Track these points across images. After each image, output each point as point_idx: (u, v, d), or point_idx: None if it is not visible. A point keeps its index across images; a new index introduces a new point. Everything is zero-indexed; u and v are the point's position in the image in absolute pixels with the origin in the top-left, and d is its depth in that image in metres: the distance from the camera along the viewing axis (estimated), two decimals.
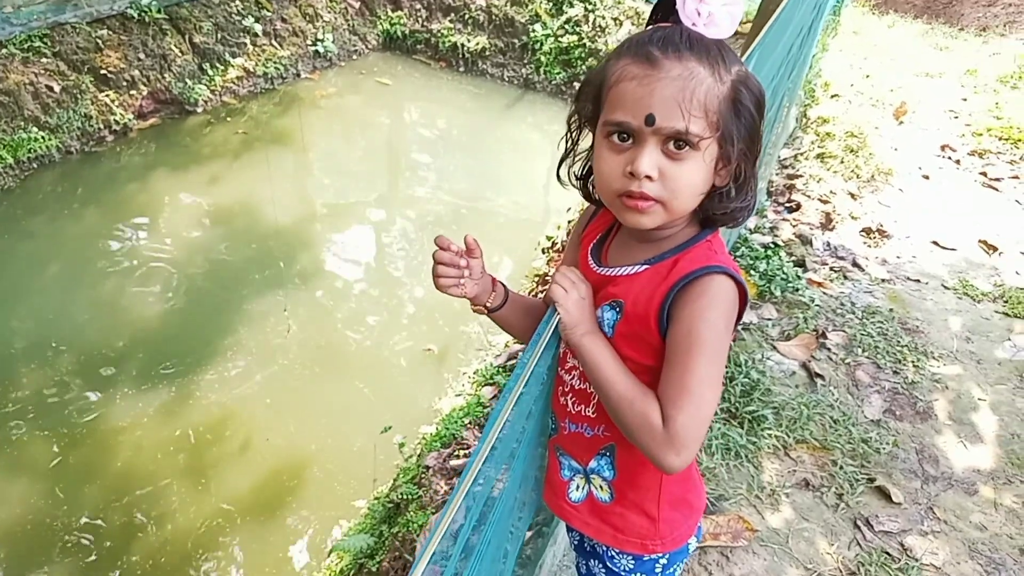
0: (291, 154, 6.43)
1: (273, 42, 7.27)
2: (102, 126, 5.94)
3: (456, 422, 2.91)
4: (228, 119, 6.66)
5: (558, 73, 7.54)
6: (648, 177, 1.00)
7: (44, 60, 5.66)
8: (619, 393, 1.05)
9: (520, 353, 1.18)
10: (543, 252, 4.88)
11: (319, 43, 7.56)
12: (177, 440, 3.67)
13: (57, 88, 5.67)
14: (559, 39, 7.54)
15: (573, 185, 1.21)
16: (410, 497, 2.65)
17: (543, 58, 7.61)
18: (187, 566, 3.17)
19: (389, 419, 3.67)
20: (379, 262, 5.25)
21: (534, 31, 7.62)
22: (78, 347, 4.15)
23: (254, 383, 4.03)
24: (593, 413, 1.20)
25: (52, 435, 3.62)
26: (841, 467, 2.47)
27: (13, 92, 5.43)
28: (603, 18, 7.42)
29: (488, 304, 1.29)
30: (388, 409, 3.82)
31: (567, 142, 1.16)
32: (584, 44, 7.46)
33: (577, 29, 7.51)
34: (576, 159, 1.18)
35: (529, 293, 4.66)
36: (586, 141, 1.15)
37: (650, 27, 1.06)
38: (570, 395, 1.24)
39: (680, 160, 1.00)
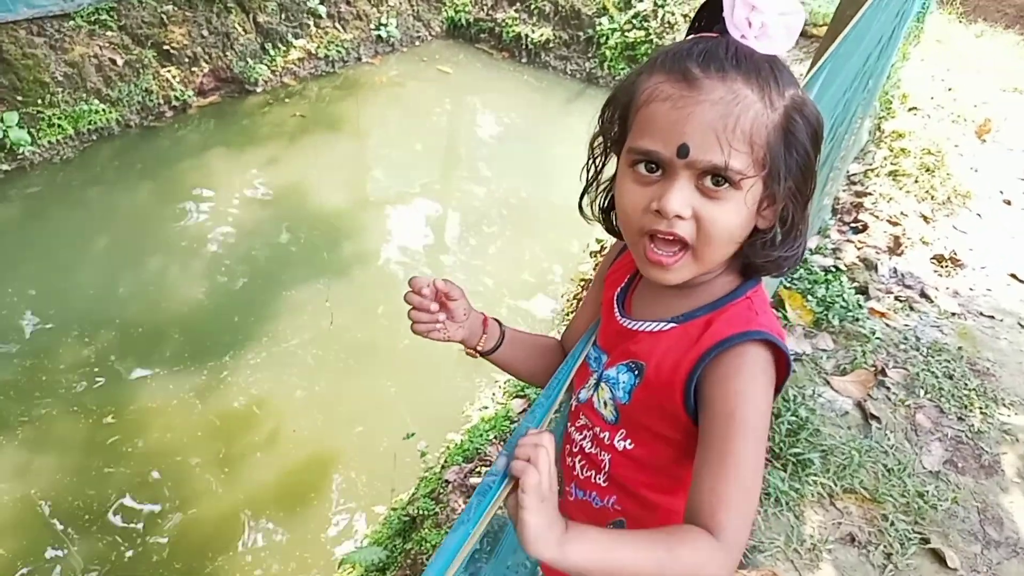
0: (347, 140, 6.38)
1: (336, 25, 7.23)
2: (162, 101, 5.98)
3: (481, 436, 2.79)
4: (287, 100, 6.65)
5: (622, 68, 7.32)
6: (678, 216, 0.85)
7: (109, 33, 5.71)
8: (652, 562, 0.76)
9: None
10: (591, 256, 4.71)
11: (382, 28, 7.49)
12: (206, 424, 3.64)
13: (120, 62, 5.72)
14: (626, 34, 7.32)
15: (596, 219, 1.05)
16: (426, 513, 2.54)
17: (608, 52, 7.41)
18: (203, 553, 3.13)
19: (417, 421, 3.57)
20: (426, 256, 5.15)
21: (600, 24, 7.42)
22: (119, 322, 4.17)
23: (288, 372, 3.98)
24: (604, 482, 1.05)
25: (82, 411, 3.63)
26: (892, 523, 2.26)
27: (77, 64, 5.49)
28: (672, 14, 7.17)
29: (479, 347, 1.15)
30: (417, 410, 3.72)
31: (589, 169, 1.00)
32: (651, 40, 7.22)
33: (645, 24, 7.27)
34: (601, 188, 1.02)
35: (574, 297, 4.51)
36: (612, 167, 0.99)
37: (691, 37, 0.89)
38: (579, 457, 1.09)
39: (717, 199, 0.84)
